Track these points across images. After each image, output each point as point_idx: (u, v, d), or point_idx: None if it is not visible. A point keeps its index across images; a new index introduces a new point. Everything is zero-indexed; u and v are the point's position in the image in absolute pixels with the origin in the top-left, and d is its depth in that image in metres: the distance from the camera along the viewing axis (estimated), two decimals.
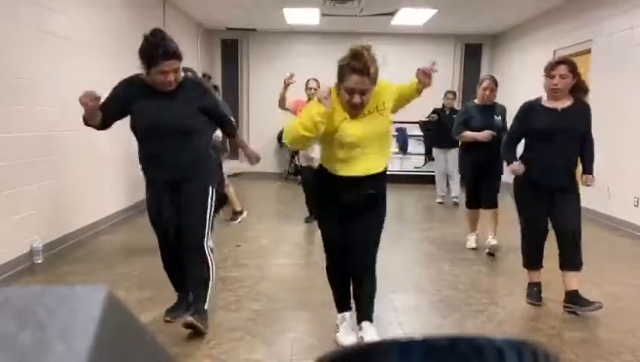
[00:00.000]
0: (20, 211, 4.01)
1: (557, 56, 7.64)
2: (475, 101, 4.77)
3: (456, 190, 7.43)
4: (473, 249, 4.82)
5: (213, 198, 2.94)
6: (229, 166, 5.65)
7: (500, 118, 4.67)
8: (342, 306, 2.85)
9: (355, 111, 2.53)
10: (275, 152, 10.19)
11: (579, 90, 3.36)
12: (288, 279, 3.90)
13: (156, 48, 2.62)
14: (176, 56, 2.68)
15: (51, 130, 4.42)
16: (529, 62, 8.00)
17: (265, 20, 9.12)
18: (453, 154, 7.26)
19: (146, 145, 2.82)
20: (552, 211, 3.35)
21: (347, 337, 2.76)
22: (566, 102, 3.32)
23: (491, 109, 4.67)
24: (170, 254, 2.97)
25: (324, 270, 2.86)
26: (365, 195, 2.60)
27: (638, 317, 3.34)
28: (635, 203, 5.69)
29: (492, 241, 4.61)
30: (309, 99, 5.39)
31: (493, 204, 4.68)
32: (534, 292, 3.49)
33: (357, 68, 2.40)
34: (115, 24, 5.59)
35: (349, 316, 2.85)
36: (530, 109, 3.38)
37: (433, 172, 8.06)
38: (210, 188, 2.92)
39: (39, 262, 4.11)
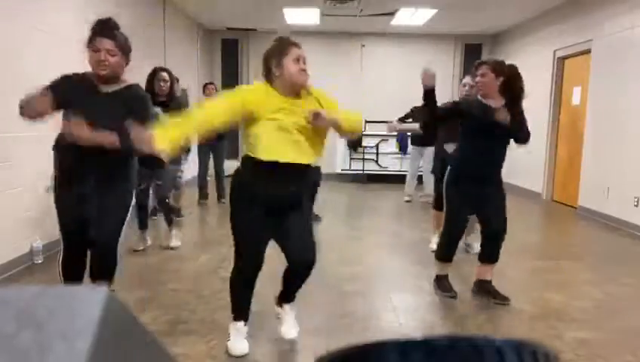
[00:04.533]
0: (20, 211, 4.01)
1: (557, 56, 7.67)
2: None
3: (430, 189, 7.55)
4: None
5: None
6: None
7: None
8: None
9: (304, 78, 2.53)
10: None
11: (507, 91, 3.36)
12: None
13: (96, 26, 2.71)
14: (113, 37, 2.70)
15: (51, 130, 4.42)
16: (529, 62, 8.00)
17: (265, 20, 9.12)
18: (429, 152, 7.35)
19: None
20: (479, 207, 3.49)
21: (242, 344, 2.68)
22: (498, 103, 3.35)
23: None
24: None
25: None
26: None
27: (638, 317, 3.34)
28: (635, 203, 5.68)
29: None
30: None
31: None
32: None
33: (293, 42, 2.65)
34: None
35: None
36: (472, 100, 3.52)
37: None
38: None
39: (39, 262, 4.11)
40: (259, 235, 2.64)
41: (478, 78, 3.37)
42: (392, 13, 8.23)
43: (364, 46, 10.31)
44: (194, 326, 3.01)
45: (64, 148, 2.82)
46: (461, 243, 4.85)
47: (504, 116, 3.28)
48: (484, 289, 3.52)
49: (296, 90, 2.54)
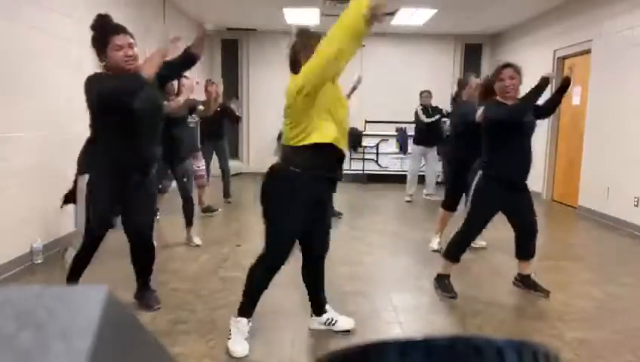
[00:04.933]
0: (20, 211, 4.01)
1: (557, 56, 7.66)
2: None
3: (432, 188, 7.58)
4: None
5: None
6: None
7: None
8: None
9: None
10: (276, 152, 10.19)
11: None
12: (288, 279, 3.90)
13: (103, 27, 2.71)
14: (127, 31, 2.73)
15: (51, 130, 4.42)
16: (529, 62, 8.00)
17: (265, 20, 9.12)
18: (433, 153, 7.37)
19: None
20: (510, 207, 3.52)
21: (243, 346, 2.68)
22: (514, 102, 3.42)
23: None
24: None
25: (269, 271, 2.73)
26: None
27: (638, 317, 3.34)
28: (635, 203, 5.69)
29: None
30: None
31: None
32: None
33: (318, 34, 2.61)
34: None
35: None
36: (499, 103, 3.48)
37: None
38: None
39: (39, 262, 4.11)
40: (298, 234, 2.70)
41: (508, 81, 3.37)
42: (392, 13, 8.23)
43: (364, 46, 10.27)
44: (194, 326, 3.01)
45: (101, 152, 2.84)
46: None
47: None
48: (526, 283, 3.66)
49: None
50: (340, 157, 2.57)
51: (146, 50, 2.90)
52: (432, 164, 7.57)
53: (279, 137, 8.60)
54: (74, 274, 3.04)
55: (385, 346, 0.32)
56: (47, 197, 4.36)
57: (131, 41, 2.72)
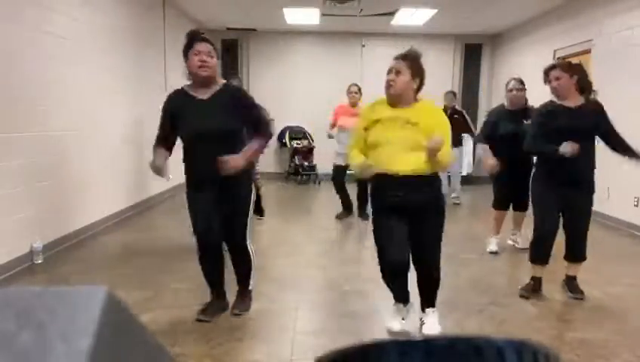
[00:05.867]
0: (20, 211, 4.01)
1: (557, 56, 7.66)
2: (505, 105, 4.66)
3: (458, 190, 7.42)
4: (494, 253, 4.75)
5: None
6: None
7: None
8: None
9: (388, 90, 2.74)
10: (275, 152, 10.19)
11: (584, 89, 3.41)
12: (288, 279, 3.90)
13: (190, 34, 2.95)
14: (209, 41, 2.92)
15: (51, 130, 4.42)
16: (529, 62, 8.00)
17: (265, 20, 9.12)
18: (455, 153, 7.29)
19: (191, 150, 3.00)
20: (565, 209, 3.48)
21: (394, 322, 2.90)
22: (578, 102, 3.38)
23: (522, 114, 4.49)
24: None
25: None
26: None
27: (638, 317, 3.34)
28: (635, 203, 5.68)
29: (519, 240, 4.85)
30: (352, 104, 5.97)
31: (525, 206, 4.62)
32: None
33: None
34: (115, 24, 5.58)
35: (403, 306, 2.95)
36: (549, 110, 3.44)
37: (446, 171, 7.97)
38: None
39: (39, 262, 4.11)
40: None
41: (554, 83, 3.35)
42: (392, 13, 8.23)
43: (364, 46, 10.30)
44: (194, 326, 3.01)
45: (189, 160, 3.00)
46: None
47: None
48: (568, 285, 3.62)
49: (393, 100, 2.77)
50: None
51: None
52: (456, 165, 7.22)
53: (280, 137, 8.50)
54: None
55: (385, 346, 0.32)
56: (46, 197, 4.36)
57: (210, 50, 2.90)
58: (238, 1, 7.74)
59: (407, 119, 2.66)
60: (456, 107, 7.42)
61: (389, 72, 2.76)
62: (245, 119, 3.00)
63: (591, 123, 3.35)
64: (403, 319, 2.92)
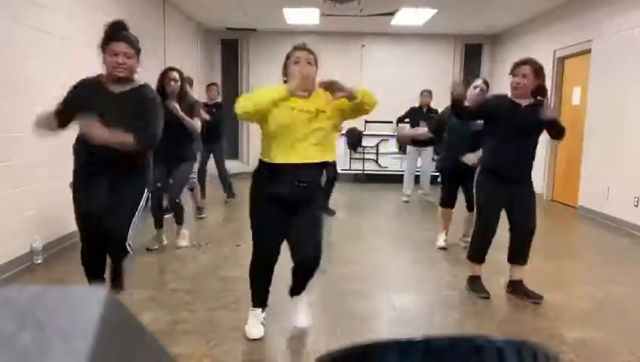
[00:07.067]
0: (20, 211, 4.01)
1: (557, 56, 7.67)
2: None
3: (427, 188, 7.61)
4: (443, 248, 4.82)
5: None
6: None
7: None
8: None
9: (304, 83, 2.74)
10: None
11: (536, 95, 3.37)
12: (288, 279, 3.90)
13: (110, 30, 2.79)
14: (128, 40, 2.80)
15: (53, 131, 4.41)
16: None
17: (265, 20, 9.12)
18: (428, 153, 7.38)
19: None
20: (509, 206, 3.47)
21: (258, 329, 2.86)
22: (527, 102, 3.37)
23: None
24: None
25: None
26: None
27: (638, 317, 3.34)
28: (635, 203, 5.68)
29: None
30: None
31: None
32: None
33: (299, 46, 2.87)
34: None
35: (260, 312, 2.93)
36: (506, 100, 3.47)
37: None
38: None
39: (39, 262, 4.11)
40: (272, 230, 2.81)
41: (518, 79, 3.33)
42: (392, 13, 8.23)
43: (364, 46, 10.31)
44: (194, 326, 3.01)
45: (79, 149, 2.88)
46: (461, 242, 4.88)
47: (552, 114, 3.30)
48: (517, 290, 3.55)
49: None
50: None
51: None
52: (426, 164, 7.57)
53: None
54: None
55: (385, 346, 0.32)
56: (47, 197, 4.36)
57: (126, 50, 2.78)
58: (238, 1, 7.74)
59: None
60: (432, 106, 7.48)
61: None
62: (137, 122, 2.78)
63: (538, 121, 3.34)
64: None
